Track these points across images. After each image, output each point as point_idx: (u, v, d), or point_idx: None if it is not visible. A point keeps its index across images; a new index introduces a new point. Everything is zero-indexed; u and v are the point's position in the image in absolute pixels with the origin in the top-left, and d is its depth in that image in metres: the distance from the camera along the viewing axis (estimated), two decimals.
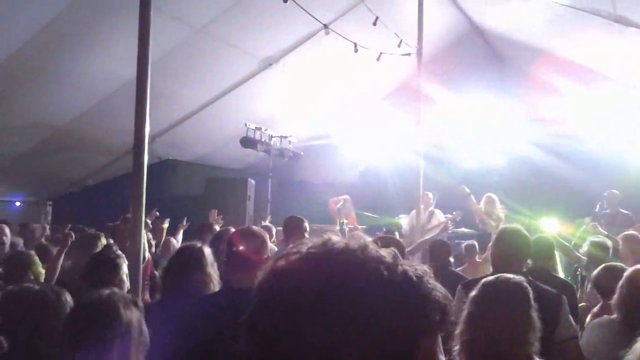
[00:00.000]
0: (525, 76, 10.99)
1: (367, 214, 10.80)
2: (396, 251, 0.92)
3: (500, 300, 2.43)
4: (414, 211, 9.14)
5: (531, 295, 2.46)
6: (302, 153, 10.30)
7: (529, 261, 4.29)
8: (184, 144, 9.98)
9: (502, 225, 8.78)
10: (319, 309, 0.82)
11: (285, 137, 9.91)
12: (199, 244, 3.52)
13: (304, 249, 0.90)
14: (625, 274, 3.31)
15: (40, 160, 8.92)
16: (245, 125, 9.02)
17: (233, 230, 4.15)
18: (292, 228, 5.55)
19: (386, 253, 0.90)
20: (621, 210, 8.49)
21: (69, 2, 5.78)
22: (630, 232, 5.79)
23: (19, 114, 7.64)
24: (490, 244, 4.25)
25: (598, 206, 8.68)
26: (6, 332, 2.13)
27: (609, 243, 5.90)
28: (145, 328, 2.08)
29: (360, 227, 9.96)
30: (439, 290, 0.89)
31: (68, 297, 2.40)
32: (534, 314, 2.41)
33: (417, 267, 0.90)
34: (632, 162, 9.59)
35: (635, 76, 9.00)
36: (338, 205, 9.90)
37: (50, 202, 11.58)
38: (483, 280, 2.58)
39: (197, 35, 7.03)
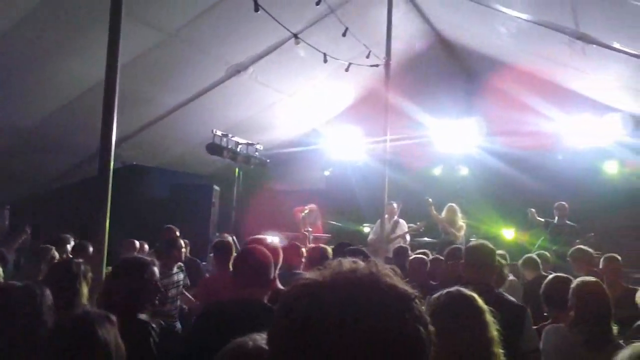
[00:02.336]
0: (491, 89, 11.23)
1: (333, 222, 10.87)
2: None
3: (451, 314, 2.39)
4: (379, 221, 9.25)
5: (482, 307, 2.43)
6: (268, 160, 10.30)
7: None
8: (150, 148, 9.87)
9: (463, 234, 9.05)
10: (345, 332, 0.85)
11: (252, 144, 9.90)
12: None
13: (331, 272, 0.95)
14: (572, 285, 3.43)
15: (1, 162, 8.72)
16: (212, 131, 8.98)
17: (229, 239, 4.21)
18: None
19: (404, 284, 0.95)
20: (567, 222, 8.78)
21: (37, 4, 5.68)
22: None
23: None
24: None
25: (557, 218, 8.95)
26: None
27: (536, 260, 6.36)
28: (120, 342, 2.08)
29: (326, 235, 10.02)
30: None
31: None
32: (490, 326, 2.40)
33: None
34: (591, 175, 9.87)
35: (598, 91, 9.30)
36: (303, 214, 9.94)
37: (8, 206, 11.30)
38: (434, 296, 2.52)
39: (166, 40, 6.98)
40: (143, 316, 2.94)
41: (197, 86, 8.45)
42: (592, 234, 8.23)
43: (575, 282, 3.45)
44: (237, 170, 9.81)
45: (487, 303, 2.46)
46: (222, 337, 1.70)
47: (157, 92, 8.20)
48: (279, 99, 9.64)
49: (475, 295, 2.47)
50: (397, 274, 0.96)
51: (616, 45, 6.94)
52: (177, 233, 6.83)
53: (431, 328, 0.93)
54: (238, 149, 9.58)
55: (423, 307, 0.95)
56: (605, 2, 5.96)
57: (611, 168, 9.59)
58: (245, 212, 10.17)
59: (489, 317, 2.42)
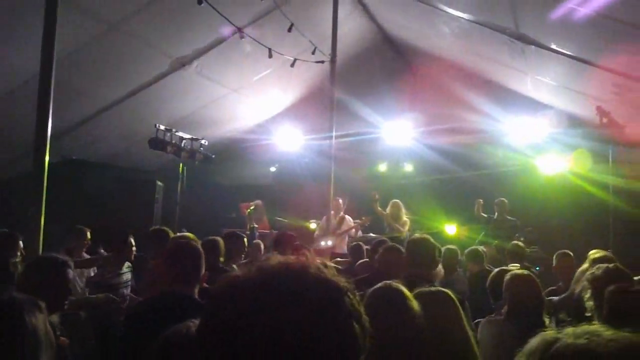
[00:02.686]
0: (435, 87, 11.44)
1: (279, 218, 10.85)
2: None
3: (380, 307, 2.44)
4: (325, 217, 9.31)
5: (409, 300, 2.49)
6: (213, 156, 10.18)
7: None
8: (91, 143, 9.60)
9: (407, 229, 9.21)
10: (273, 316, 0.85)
11: (197, 139, 9.76)
12: None
13: (258, 268, 0.94)
14: (506, 277, 3.55)
15: None
16: (156, 126, 8.80)
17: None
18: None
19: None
20: (508, 217, 9.08)
21: None
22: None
23: None
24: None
25: (497, 214, 9.24)
26: None
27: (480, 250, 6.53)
28: (50, 329, 2.01)
29: (272, 231, 10.00)
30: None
31: None
32: (415, 318, 2.45)
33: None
34: (529, 171, 10.19)
35: (536, 91, 9.61)
36: (249, 210, 9.89)
37: None
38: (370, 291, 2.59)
39: (108, 32, 6.79)
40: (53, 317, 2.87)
41: (140, 79, 8.26)
42: (531, 227, 8.51)
43: (507, 275, 3.56)
44: (181, 165, 9.63)
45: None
46: (152, 334, 1.69)
47: (98, 85, 7.97)
48: (224, 93, 9.54)
49: (402, 288, 2.53)
50: (328, 267, 0.96)
51: (553, 46, 7.19)
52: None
53: (366, 322, 0.93)
54: (182, 144, 9.41)
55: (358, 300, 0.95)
56: (543, 5, 6.15)
57: (547, 164, 9.91)
58: (190, 208, 10.02)
59: (416, 309, 2.47)
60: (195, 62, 8.26)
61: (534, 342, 1.15)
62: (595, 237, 8.15)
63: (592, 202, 9.04)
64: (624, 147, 8.37)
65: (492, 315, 3.91)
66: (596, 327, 1.10)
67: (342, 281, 0.94)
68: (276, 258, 0.95)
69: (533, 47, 7.34)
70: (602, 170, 8.81)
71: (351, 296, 0.93)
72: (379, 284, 2.59)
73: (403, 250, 4.22)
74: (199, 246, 3.28)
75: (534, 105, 9.78)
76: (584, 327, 1.10)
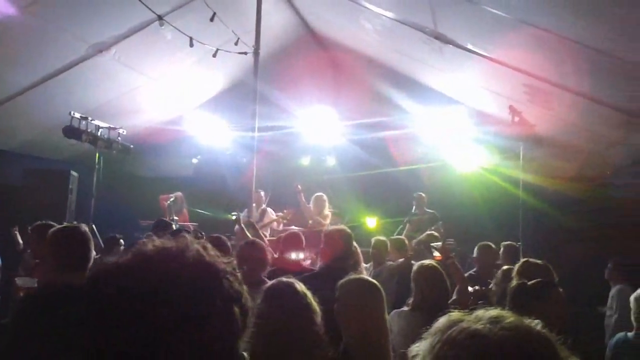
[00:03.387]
0: (357, 82, 11.59)
1: (200, 210, 10.69)
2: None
3: (275, 302, 2.51)
4: (246, 209, 9.25)
5: (303, 294, 2.54)
6: (132, 146, 9.87)
7: None
8: (1, 130, 9.09)
9: (329, 223, 9.31)
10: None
11: (115, 128, 9.43)
12: None
13: (134, 253, 0.93)
14: (413, 269, 3.68)
15: None
16: (70, 113, 8.44)
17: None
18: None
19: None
20: (427, 210, 9.37)
21: None
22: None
23: None
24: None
25: (414, 207, 9.50)
26: None
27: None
28: None
29: (192, 224, 9.84)
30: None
31: None
32: (309, 313, 2.49)
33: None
34: (447, 167, 10.54)
35: (454, 90, 9.94)
36: (169, 202, 9.69)
37: None
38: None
39: (19, 14, 6.44)
40: None
41: (53, 65, 7.88)
42: (441, 222, 8.76)
43: (414, 267, 3.67)
44: (97, 155, 9.28)
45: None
46: (40, 325, 1.64)
47: (9, 70, 7.56)
48: (144, 82, 9.26)
49: (295, 282, 2.58)
50: (208, 250, 0.96)
51: (470, 46, 7.45)
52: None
53: (247, 302, 0.95)
54: (99, 133, 9.08)
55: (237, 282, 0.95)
56: (461, 6, 6.35)
57: (462, 161, 10.27)
58: (107, 200, 9.70)
59: (310, 302, 2.52)
60: (114, 48, 7.98)
61: (440, 321, 1.18)
62: (507, 230, 8.56)
63: (503, 197, 9.48)
64: (533, 144, 8.80)
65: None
66: (504, 313, 1.14)
67: (221, 263, 0.95)
68: (154, 242, 0.94)
69: (450, 46, 7.57)
70: (513, 167, 9.25)
71: (231, 278, 0.94)
72: (274, 281, 2.65)
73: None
74: (86, 232, 3.10)
75: (451, 102, 10.10)
76: (493, 312, 1.14)
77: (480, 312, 1.15)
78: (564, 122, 8.71)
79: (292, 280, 2.63)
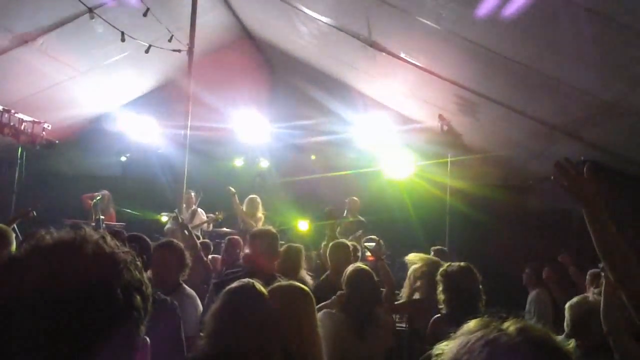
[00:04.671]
0: (291, 85, 11.63)
1: (128, 210, 10.42)
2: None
3: (233, 303, 2.52)
4: (176, 210, 9.08)
5: (255, 295, 2.56)
6: (57, 141, 9.50)
7: None
8: None
9: (261, 225, 9.27)
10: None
11: (39, 122, 9.04)
12: None
13: (30, 246, 0.93)
14: (346, 271, 3.76)
15: None
16: None
17: None
18: None
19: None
20: (359, 217, 9.48)
21: None
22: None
23: None
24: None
25: (346, 212, 9.60)
26: None
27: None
28: None
29: (119, 224, 9.57)
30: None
31: None
32: (265, 313, 2.50)
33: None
34: (379, 173, 10.72)
35: (386, 97, 10.12)
36: (95, 200, 9.39)
37: None
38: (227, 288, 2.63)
39: None
40: None
41: None
42: (361, 231, 8.87)
43: (347, 269, 3.75)
44: (20, 150, 8.88)
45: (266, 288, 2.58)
46: None
47: None
48: (72, 76, 8.94)
49: (255, 283, 2.58)
50: (111, 240, 0.98)
51: (403, 55, 7.62)
52: None
53: (147, 289, 0.98)
54: (22, 127, 8.69)
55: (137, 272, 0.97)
56: (395, 15, 6.49)
57: (393, 167, 10.45)
58: (29, 197, 9.28)
59: (267, 304, 2.53)
60: (41, 39, 7.66)
61: (469, 325, 1.17)
62: (435, 233, 8.81)
63: (432, 202, 9.75)
64: (460, 152, 9.10)
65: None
66: (533, 325, 1.14)
67: (121, 253, 0.97)
68: (52, 235, 0.95)
69: (384, 54, 7.72)
70: (441, 173, 9.53)
71: (131, 267, 0.96)
72: (241, 282, 2.62)
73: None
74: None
75: (383, 109, 10.28)
76: (522, 323, 1.13)
77: (509, 321, 1.15)
78: (490, 133, 9.06)
79: (252, 281, 2.61)
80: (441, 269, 3.92)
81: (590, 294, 4.57)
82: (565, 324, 3.67)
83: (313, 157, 11.55)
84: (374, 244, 5.20)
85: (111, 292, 0.90)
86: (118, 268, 0.94)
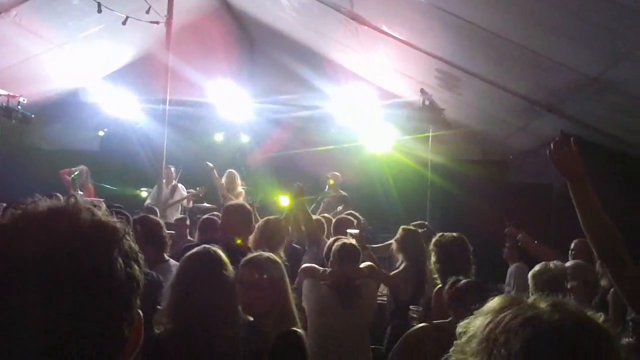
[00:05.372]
0: (272, 59, 11.49)
1: (106, 185, 10.29)
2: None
3: (192, 269, 2.57)
4: (156, 185, 9.00)
5: (220, 261, 2.61)
6: (32, 116, 9.30)
7: None
8: None
9: (241, 200, 9.23)
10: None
11: (14, 96, 8.84)
12: None
13: (21, 213, 0.87)
14: (334, 245, 3.78)
15: None
16: None
17: None
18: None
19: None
20: (341, 191, 9.45)
21: None
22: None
23: None
24: None
25: (327, 187, 9.56)
26: None
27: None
28: None
29: (97, 199, 9.45)
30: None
31: None
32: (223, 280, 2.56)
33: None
34: (359, 149, 10.71)
35: (367, 71, 10.06)
36: (72, 175, 9.25)
37: None
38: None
39: None
40: None
41: None
42: (343, 206, 8.85)
43: (335, 244, 3.79)
44: None
45: (233, 262, 2.62)
46: None
47: None
48: (47, 48, 8.72)
49: (217, 251, 2.60)
50: (101, 209, 0.94)
51: (385, 28, 7.55)
52: None
53: (141, 261, 0.94)
54: None
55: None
56: None
57: (374, 142, 10.44)
58: (5, 172, 9.13)
59: (227, 271, 2.58)
60: (14, 10, 7.44)
61: (495, 301, 1.14)
62: (416, 208, 8.85)
63: (413, 177, 9.77)
64: (441, 127, 9.10)
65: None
66: (565, 300, 1.12)
67: (117, 222, 0.92)
68: (44, 202, 0.90)
69: (366, 27, 7.64)
70: (422, 148, 9.54)
71: (128, 236, 0.93)
72: (197, 248, 2.64)
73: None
74: None
75: (365, 84, 10.23)
76: (554, 298, 1.11)
77: (537, 297, 1.12)
78: (471, 107, 9.07)
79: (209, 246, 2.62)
80: (434, 239, 3.98)
81: None
82: (530, 292, 3.74)
83: (292, 131, 11.47)
84: (357, 231, 5.18)
85: (113, 262, 0.86)
86: (118, 236, 0.89)
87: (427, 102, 8.76)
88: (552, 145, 2.28)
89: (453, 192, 8.71)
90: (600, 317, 1.09)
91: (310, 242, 6.16)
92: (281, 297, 2.74)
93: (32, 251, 0.81)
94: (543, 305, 1.08)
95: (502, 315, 1.08)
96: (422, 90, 8.75)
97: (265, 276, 2.71)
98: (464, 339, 1.14)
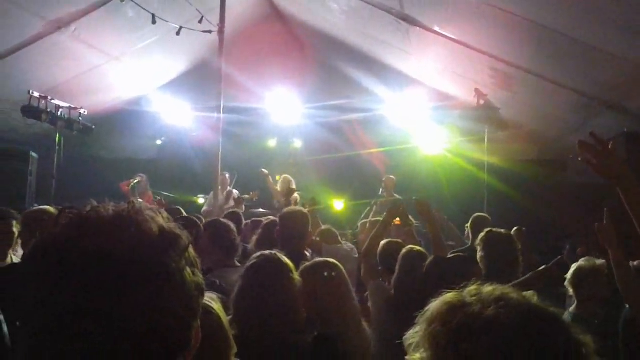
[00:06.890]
0: (324, 64, 11.52)
1: (165, 193, 10.54)
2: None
3: (260, 276, 2.53)
4: (212, 192, 9.16)
5: (287, 267, 2.58)
6: (93, 126, 9.64)
7: None
8: None
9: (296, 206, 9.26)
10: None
11: (75, 108, 9.19)
12: None
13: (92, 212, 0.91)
14: (402, 251, 3.73)
15: None
16: (29, 92, 8.19)
17: None
18: None
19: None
20: (395, 194, 9.38)
21: None
22: None
23: None
24: None
25: (381, 190, 9.52)
26: None
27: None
28: None
29: (158, 205, 9.69)
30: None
31: None
32: (294, 285, 2.54)
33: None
34: (413, 150, 10.60)
35: (420, 72, 9.94)
36: (132, 183, 9.53)
37: None
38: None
39: None
40: None
41: (10, 42, 7.60)
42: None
43: (403, 250, 3.74)
44: (58, 136, 9.04)
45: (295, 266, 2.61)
46: None
47: None
48: (105, 60, 9.02)
49: (282, 257, 2.59)
50: (164, 216, 0.94)
51: (436, 28, 7.45)
52: None
53: (199, 271, 0.94)
54: (59, 113, 8.85)
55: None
56: None
57: (428, 144, 10.33)
58: (68, 182, 9.47)
59: (294, 277, 2.56)
60: (73, 25, 7.73)
61: (435, 306, 1.11)
62: (471, 211, 8.65)
63: (468, 179, 9.58)
64: (497, 128, 8.90)
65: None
66: (502, 289, 1.09)
67: (178, 229, 0.93)
68: (107, 206, 0.93)
69: (418, 28, 7.56)
70: (478, 149, 9.35)
71: (189, 245, 0.94)
72: (264, 254, 2.65)
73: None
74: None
75: (417, 86, 10.12)
76: (490, 290, 1.09)
77: (473, 290, 1.10)
78: (527, 106, 8.83)
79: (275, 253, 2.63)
80: (481, 235, 3.89)
81: None
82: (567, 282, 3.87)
83: (344, 135, 11.46)
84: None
85: (182, 269, 0.88)
86: (184, 244, 0.91)
87: (482, 102, 8.59)
88: (578, 147, 2.09)
89: (509, 194, 8.50)
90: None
91: (313, 251, 6.21)
92: (342, 301, 2.75)
93: (121, 252, 0.83)
94: (487, 301, 1.06)
95: (453, 319, 1.05)
96: (476, 90, 8.58)
97: (327, 281, 2.73)
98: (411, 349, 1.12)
